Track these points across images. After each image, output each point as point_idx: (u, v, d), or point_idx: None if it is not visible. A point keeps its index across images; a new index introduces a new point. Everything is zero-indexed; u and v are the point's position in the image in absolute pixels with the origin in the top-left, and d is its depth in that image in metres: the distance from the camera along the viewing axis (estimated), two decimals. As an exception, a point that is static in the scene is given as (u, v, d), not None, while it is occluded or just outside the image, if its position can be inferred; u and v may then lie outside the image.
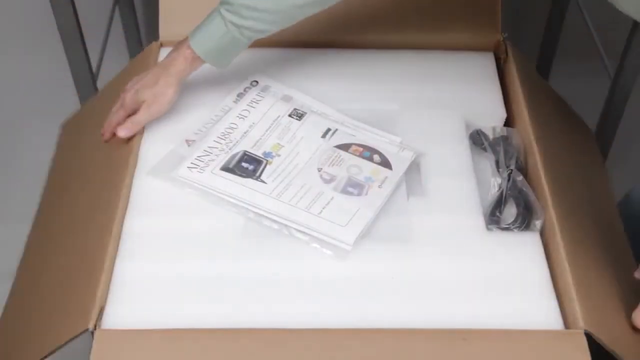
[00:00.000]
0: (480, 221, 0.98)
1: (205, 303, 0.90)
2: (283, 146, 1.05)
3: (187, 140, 1.06)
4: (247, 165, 1.02)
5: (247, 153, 1.04)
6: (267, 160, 1.03)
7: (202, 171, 1.01)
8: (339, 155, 1.04)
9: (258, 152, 1.04)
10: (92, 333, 0.85)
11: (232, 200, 0.99)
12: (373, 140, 1.07)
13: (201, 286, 0.91)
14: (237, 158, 1.03)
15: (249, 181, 1.00)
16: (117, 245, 0.95)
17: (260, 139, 1.06)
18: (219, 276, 0.92)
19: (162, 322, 0.87)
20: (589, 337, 0.85)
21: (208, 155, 1.03)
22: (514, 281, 0.93)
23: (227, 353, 0.84)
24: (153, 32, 1.21)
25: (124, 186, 1.00)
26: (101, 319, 0.87)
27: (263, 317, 0.88)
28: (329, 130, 1.08)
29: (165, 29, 1.21)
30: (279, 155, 1.04)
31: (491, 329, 0.87)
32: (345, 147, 1.05)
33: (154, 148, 1.06)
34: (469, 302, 0.91)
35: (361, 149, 1.05)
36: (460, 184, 1.03)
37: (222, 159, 1.03)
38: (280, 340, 0.85)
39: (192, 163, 1.02)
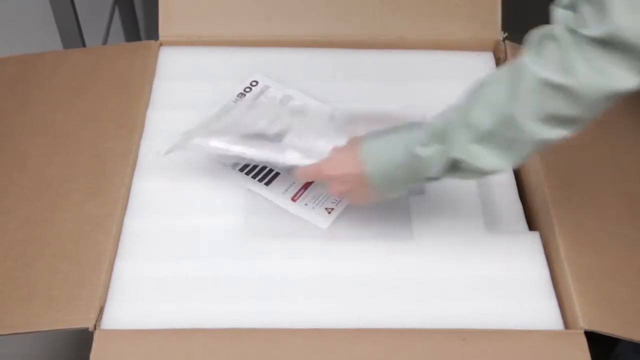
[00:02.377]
0: (480, 221, 0.98)
1: (205, 303, 0.90)
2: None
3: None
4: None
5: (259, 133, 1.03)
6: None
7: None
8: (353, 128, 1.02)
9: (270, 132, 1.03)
10: (92, 333, 0.85)
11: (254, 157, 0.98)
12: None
13: (201, 286, 0.91)
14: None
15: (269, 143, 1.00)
16: (117, 245, 0.95)
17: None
18: (219, 276, 0.92)
19: (161, 321, 0.87)
20: (588, 337, 0.85)
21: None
22: (514, 281, 0.93)
23: (227, 353, 0.84)
24: (153, 32, 1.21)
25: (124, 186, 1.00)
26: (101, 318, 0.87)
27: (263, 317, 0.88)
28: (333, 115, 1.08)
29: (165, 29, 1.21)
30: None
31: (491, 329, 0.87)
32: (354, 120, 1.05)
33: (154, 148, 1.06)
34: (469, 302, 0.91)
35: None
36: (460, 184, 1.02)
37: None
38: (280, 340, 0.85)
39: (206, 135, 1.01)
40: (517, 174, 1.07)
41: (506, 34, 1.21)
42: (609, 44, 0.72)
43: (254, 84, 1.15)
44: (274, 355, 0.84)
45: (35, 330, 0.88)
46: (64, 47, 1.45)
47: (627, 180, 1.03)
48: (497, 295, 0.91)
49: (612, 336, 0.87)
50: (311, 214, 0.99)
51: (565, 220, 0.97)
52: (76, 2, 1.40)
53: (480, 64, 1.20)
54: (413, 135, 0.86)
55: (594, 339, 0.86)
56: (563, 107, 0.76)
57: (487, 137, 0.80)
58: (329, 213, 0.99)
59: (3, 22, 1.93)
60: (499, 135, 0.80)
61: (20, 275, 0.92)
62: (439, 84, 1.17)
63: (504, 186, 1.05)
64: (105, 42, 1.54)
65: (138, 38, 1.82)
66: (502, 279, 0.93)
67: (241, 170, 1.03)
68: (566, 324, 0.89)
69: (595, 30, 0.72)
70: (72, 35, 1.42)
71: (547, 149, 0.82)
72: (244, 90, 1.14)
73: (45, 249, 0.94)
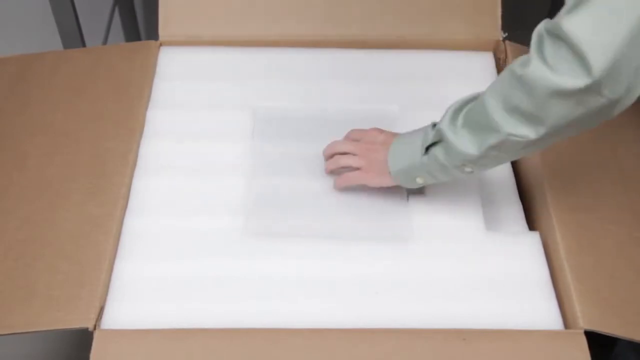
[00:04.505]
0: (480, 221, 0.98)
1: (205, 303, 0.90)
2: None
3: None
4: None
5: None
6: None
7: None
8: None
9: None
10: (92, 333, 0.85)
11: None
12: None
13: (201, 286, 0.91)
14: None
15: None
16: (117, 245, 0.95)
17: None
18: (219, 276, 0.92)
19: (161, 321, 0.87)
20: (588, 337, 0.85)
21: None
22: (514, 281, 0.93)
23: (227, 353, 0.84)
24: (153, 32, 1.21)
25: (124, 186, 1.00)
26: (101, 318, 0.87)
27: (263, 317, 0.88)
28: None
29: (165, 29, 1.21)
30: None
31: (491, 329, 0.87)
32: None
33: (154, 148, 1.06)
34: (469, 302, 0.91)
35: None
36: (460, 184, 1.03)
37: None
38: (280, 340, 0.85)
39: None
40: (517, 174, 1.07)
41: (506, 34, 1.21)
42: (558, 37, 0.75)
43: None
44: (274, 355, 0.84)
45: (35, 330, 0.88)
46: (64, 47, 1.45)
47: (627, 180, 1.03)
48: (497, 295, 0.91)
49: (612, 336, 0.87)
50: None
51: (565, 220, 0.97)
52: (76, 2, 1.40)
53: (480, 64, 1.20)
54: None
55: (594, 339, 0.86)
56: (520, 98, 0.79)
57: (468, 121, 0.86)
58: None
59: (3, 22, 1.93)
60: (475, 120, 0.85)
61: (20, 275, 0.92)
62: (439, 84, 1.17)
63: (504, 186, 1.05)
64: (105, 42, 1.54)
65: (138, 38, 1.82)
66: (502, 279, 0.93)
67: None
68: (566, 324, 0.89)
69: (552, 23, 0.76)
70: (72, 35, 1.42)
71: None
72: None
73: (45, 249, 0.94)
